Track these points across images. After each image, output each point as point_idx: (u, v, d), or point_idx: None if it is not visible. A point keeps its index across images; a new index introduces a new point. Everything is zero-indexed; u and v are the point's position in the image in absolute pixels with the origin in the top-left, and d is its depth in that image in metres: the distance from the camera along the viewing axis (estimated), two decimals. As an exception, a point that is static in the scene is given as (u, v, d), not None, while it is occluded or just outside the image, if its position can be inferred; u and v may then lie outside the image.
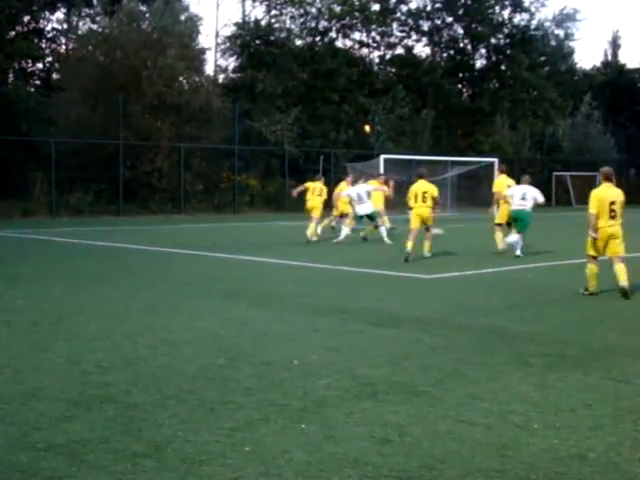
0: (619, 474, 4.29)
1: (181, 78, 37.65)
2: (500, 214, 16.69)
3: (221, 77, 48.88)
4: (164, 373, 6.38)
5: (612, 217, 10.64)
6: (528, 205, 16.06)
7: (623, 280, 10.63)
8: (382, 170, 34.72)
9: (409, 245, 15.12)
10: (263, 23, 47.65)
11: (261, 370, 6.50)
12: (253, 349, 7.32)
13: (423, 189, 15.84)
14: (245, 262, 15.25)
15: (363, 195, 19.48)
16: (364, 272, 13.62)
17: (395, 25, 55.62)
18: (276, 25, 48.19)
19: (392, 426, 5.05)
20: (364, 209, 19.48)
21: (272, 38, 46.66)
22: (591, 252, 10.87)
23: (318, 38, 50.68)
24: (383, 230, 19.77)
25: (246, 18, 48.85)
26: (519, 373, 6.44)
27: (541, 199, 16.42)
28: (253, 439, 4.80)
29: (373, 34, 54.23)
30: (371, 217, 19.71)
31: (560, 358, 7.01)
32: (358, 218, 19.78)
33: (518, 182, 16.70)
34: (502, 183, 17.07)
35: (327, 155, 40.96)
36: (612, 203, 10.67)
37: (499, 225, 16.63)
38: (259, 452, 4.58)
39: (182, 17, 38.55)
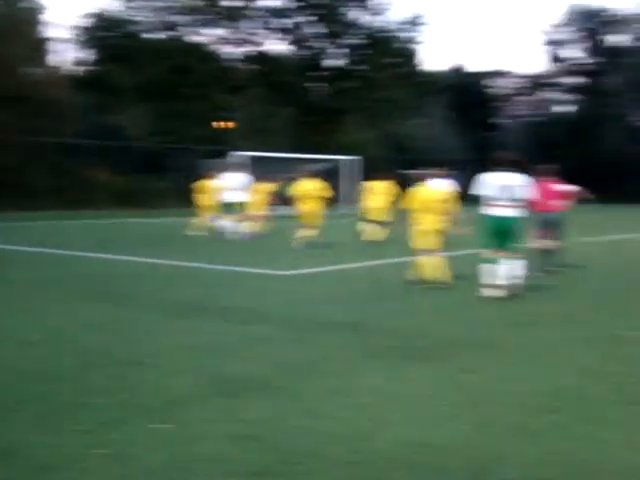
0: (467, 460, 4.47)
1: (27, 69, 36.20)
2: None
3: (73, 69, 47.37)
4: (15, 376, 6.14)
5: (434, 214, 11.56)
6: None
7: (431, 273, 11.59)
8: (241, 167, 34.63)
9: (305, 233, 16.74)
10: (117, 15, 46.51)
11: (118, 370, 6.37)
12: (110, 349, 7.16)
13: (309, 187, 17.75)
14: (101, 260, 14.87)
15: (245, 184, 20.18)
16: (225, 270, 13.58)
17: (252, 22, 55.63)
18: (130, 18, 47.14)
19: (250, 422, 5.08)
20: (235, 197, 19.85)
21: (126, 31, 45.62)
22: (419, 246, 11.71)
23: (173, 32, 49.95)
24: (231, 225, 19.91)
25: (99, 10, 47.49)
26: (374, 366, 6.60)
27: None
28: (109, 441, 4.70)
29: (230, 30, 54.00)
30: (232, 207, 19.95)
31: (414, 350, 7.24)
32: (224, 206, 20.10)
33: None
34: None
35: (183, 151, 40.50)
36: (432, 201, 11.58)
37: (368, 220, 18.17)
38: (115, 454, 4.50)
39: (26, 5, 37.10)
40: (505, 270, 10.53)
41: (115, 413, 5.24)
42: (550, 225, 13.44)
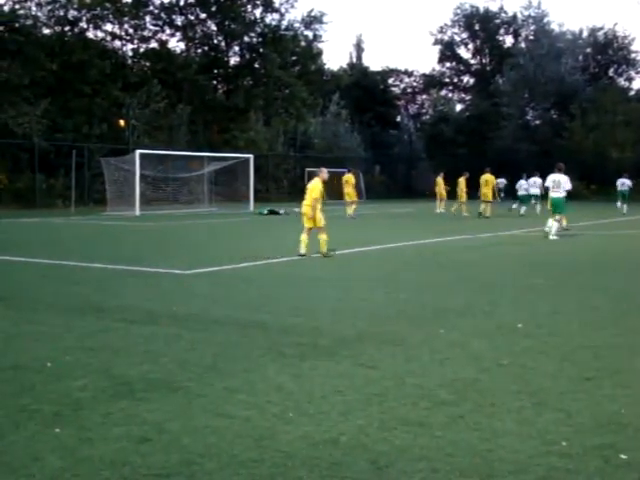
0: (367, 455, 4.53)
1: None
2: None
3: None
4: None
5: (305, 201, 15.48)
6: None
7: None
8: (138, 165, 34.15)
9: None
10: (6, 8, 44.92)
11: (9, 374, 6.17)
12: (4, 352, 6.94)
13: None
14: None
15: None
16: (119, 269, 13.34)
17: (148, 18, 54.76)
18: (21, 11, 45.62)
19: (150, 424, 5.01)
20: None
21: (16, 25, 44.10)
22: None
23: (68, 28, 48.64)
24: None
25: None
26: (275, 364, 6.61)
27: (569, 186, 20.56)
28: (0, 448, 4.55)
29: (126, 26, 52.99)
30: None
31: (313, 348, 7.28)
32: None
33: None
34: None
35: (80, 149, 39.52)
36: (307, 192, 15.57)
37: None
38: (7, 461, 4.35)
39: None
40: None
41: (9, 419, 5.07)
42: None
